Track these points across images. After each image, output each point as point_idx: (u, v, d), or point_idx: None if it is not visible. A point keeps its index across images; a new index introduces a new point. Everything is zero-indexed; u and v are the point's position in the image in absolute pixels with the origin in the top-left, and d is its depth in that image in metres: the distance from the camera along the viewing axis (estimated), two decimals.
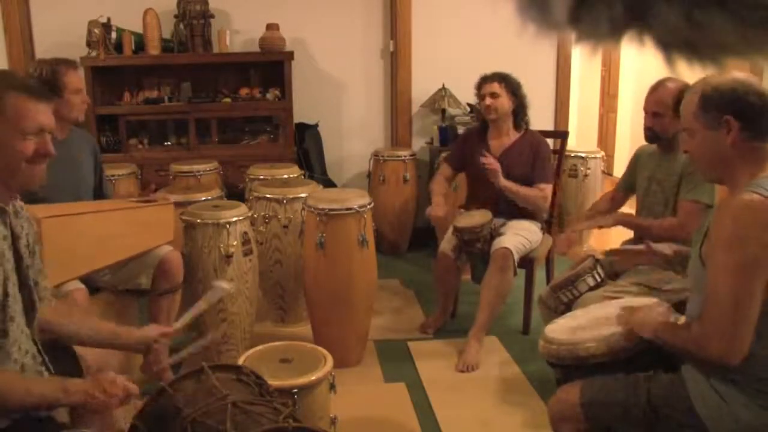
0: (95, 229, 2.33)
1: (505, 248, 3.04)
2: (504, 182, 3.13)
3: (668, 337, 1.63)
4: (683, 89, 2.41)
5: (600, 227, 2.88)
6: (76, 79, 2.64)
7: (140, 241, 2.57)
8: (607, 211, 2.87)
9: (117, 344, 1.83)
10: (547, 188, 3.27)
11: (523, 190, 3.19)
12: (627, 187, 2.79)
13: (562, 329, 1.89)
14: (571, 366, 1.78)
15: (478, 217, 3.14)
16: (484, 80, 3.29)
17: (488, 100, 3.26)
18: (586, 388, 1.71)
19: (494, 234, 3.15)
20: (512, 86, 3.27)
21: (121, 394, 1.50)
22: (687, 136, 1.70)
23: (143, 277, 2.66)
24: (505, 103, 3.26)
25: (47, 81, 2.55)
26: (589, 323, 1.88)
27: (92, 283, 2.54)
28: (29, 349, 1.57)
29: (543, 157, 3.29)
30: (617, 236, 2.76)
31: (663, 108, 2.46)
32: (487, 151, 3.29)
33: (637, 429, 1.66)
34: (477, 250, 3.14)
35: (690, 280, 1.77)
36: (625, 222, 2.70)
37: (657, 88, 2.50)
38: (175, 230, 2.79)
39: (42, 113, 1.57)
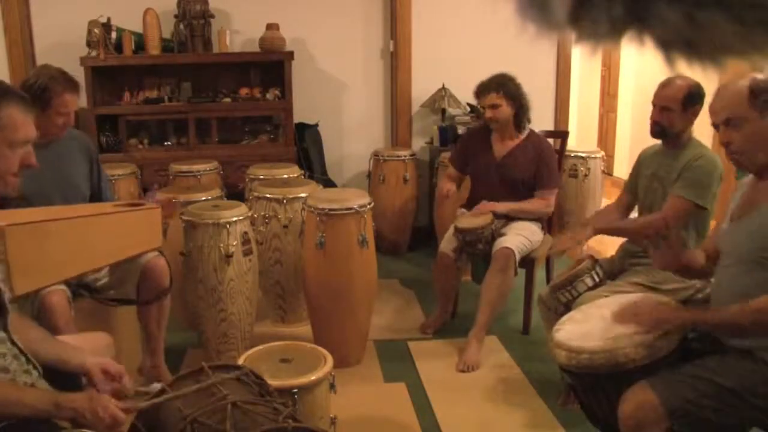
0: (69, 235, 2.22)
1: (508, 248, 3.04)
2: (504, 210, 3.17)
3: (708, 318, 1.74)
4: (692, 86, 2.43)
5: (579, 241, 2.78)
6: (65, 102, 2.45)
7: (124, 247, 2.45)
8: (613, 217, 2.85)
9: (62, 366, 1.67)
10: (552, 196, 3.27)
11: (527, 207, 3.22)
12: (632, 189, 2.77)
13: (577, 336, 1.83)
14: (599, 374, 1.74)
15: (479, 219, 3.14)
16: (482, 91, 3.25)
17: (489, 113, 3.25)
18: (660, 386, 1.67)
19: (495, 234, 3.15)
20: (511, 92, 3.23)
21: (108, 422, 1.46)
22: (727, 127, 1.78)
23: (130, 285, 2.58)
24: (505, 111, 3.24)
25: (35, 94, 2.34)
26: (599, 326, 1.85)
27: (79, 287, 2.47)
28: (7, 351, 1.53)
29: (548, 163, 3.27)
30: (617, 238, 2.75)
31: (673, 103, 2.46)
32: (490, 153, 3.30)
33: (730, 419, 1.68)
34: (478, 250, 3.14)
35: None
36: (605, 230, 2.67)
37: (668, 83, 2.50)
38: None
39: (31, 126, 1.59)
